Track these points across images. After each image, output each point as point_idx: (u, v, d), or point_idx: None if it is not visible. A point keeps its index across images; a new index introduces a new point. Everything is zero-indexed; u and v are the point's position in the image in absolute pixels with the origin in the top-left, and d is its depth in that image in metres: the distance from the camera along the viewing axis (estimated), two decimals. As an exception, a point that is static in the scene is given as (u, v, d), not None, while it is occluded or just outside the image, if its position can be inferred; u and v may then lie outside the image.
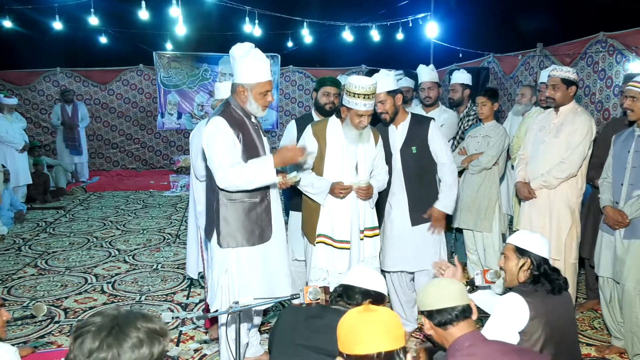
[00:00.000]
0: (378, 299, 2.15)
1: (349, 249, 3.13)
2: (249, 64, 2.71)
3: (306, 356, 2.00)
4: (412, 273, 3.52)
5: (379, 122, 3.48)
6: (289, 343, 2.07)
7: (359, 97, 2.97)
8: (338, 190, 3.09)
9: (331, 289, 3.19)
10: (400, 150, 3.38)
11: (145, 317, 1.34)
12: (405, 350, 1.41)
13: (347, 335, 1.42)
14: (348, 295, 2.16)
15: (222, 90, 3.40)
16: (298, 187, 3.16)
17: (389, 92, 3.28)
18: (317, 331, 2.03)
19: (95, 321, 1.31)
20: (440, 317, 1.83)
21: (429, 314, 1.87)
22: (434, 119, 3.49)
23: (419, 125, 3.38)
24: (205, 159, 2.83)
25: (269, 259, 2.87)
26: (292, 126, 3.78)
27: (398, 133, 3.40)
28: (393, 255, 3.45)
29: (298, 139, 3.65)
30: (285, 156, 2.74)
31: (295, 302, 2.34)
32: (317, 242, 3.18)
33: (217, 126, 2.70)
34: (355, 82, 2.98)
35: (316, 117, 3.75)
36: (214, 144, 2.69)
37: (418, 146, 3.35)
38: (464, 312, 1.83)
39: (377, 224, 3.30)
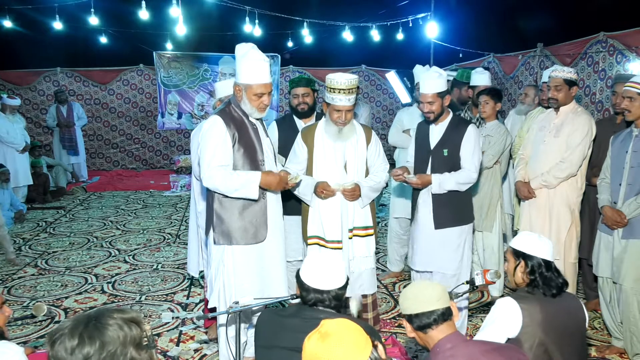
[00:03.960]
0: (344, 287, 2.11)
1: (341, 248, 3.14)
2: (245, 64, 2.74)
3: (291, 357, 2.00)
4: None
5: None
6: (272, 348, 2.05)
7: (337, 92, 3.00)
8: (319, 191, 3.12)
9: None
10: (432, 150, 3.31)
11: (117, 309, 1.35)
12: (375, 346, 1.40)
13: None
14: (333, 303, 2.06)
15: (221, 90, 3.42)
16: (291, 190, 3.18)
17: (439, 94, 3.21)
18: (299, 331, 2.01)
19: (67, 324, 1.30)
20: (419, 321, 1.82)
21: (409, 318, 1.86)
22: (474, 122, 3.39)
23: (457, 128, 3.26)
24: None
25: (264, 259, 2.88)
26: (272, 127, 3.74)
27: (436, 131, 3.31)
28: (416, 254, 3.42)
29: (279, 139, 3.61)
30: (271, 183, 2.78)
31: (294, 302, 2.33)
32: (309, 244, 3.20)
33: (212, 125, 2.74)
34: (335, 77, 3.01)
35: (295, 118, 3.72)
36: (206, 142, 2.73)
37: (450, 149, 3.25)
38: (443, 315, 1.81)
39: (370, 224, 3.26)
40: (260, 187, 2.76)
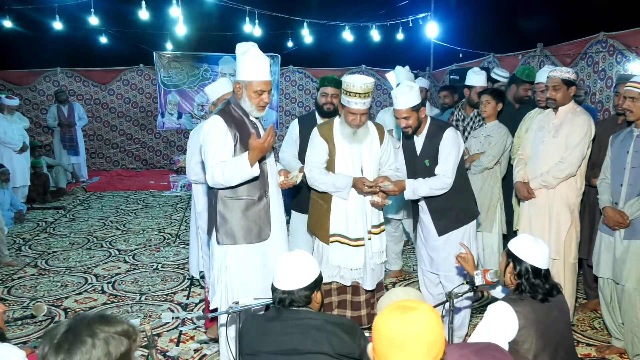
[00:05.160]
0: (317, 286, 2.12)
1: (363, 245, 3.22)
2: (245, 62, 2.75)
3: None
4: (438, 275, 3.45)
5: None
6: (257, 354, 2.06)
7: (353, 95, 3.01)
8: (361, 186, 3.12)
9: (346, 283, 3.27)
10: (417, 161, 3.28)
11: (106, 320, 1.30)
12: None
13: (379, 345, 1.29)
14: (290, 302, 2.08)
15: (212, 93, 3.44)
16: (314, 188, 3.23)
17: (413, 108, 3.11)
18: (282, 334, 2.02)
19: (55, 328, 1.29)
20: None
21: None
22: (453, 126, 3.33)
23: (435, 135, 3.19)
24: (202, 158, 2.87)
25: (267, 258, 2.88)
26: (294, 125, 3.82)
27: (418, 142, 3.27)
28: (423, 255, 3.45)
29: (300, 138, 3.68)
30: (255, 148, 2.60)
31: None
32: (331, 242, 3.25)
33: (212, 125, 2.74)
34: (351, 81, 3.01)
35: (317, 117, 3.78)
36: (208, 142, 2.73)
37: (431, 159, 3.21)
38: None
39: (382, 221, 3.36)
40: (257, 163, 2.66)
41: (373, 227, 3.28)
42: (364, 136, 3.19)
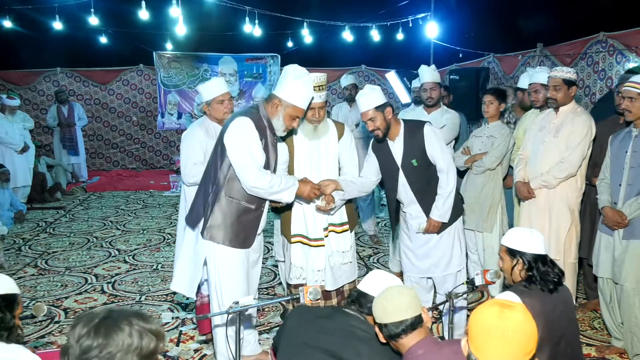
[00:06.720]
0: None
1: (324, 245, 3.21)
2: (297, 86, 2.77)
3: (311, 356, 2.00)
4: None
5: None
6: (295, 342, 2.07)
7: None
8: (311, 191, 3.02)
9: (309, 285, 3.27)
10: (401, 166, 3.23)
11: (142, 316, 1.35)
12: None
13: (476, 336, 1.40)
14: (360, 303, 2.09)
15: (208, 92, 3.35)
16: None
17: (377, 108, 3.08)
18: (326, 332, 2.02)
19: (92, 311, 1.33)
20: (388, 331, 1.83)
21: (379, 327, 1.87)
22: (429, 122, 3.33)
23: (414, 134, 3.17)
24: (216, 159, 2.86)
25: (246, 264, 2.94)
26: None
27: (396, 147, 3.22)
28: (415, 263, 3.40)
29: None
30: (303, 191, 2.87)
31: (302, 301, 2.36)
32: (293, 242, 3.26)
33: (247, 126, 2.75)
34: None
35: None
36: (246, 142, 2.74)
37: (418, 157, 3.17)
38: (413, 325, 1.81)
39: (346, 220, 3.32)
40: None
41: (332, 224, 3.26)
42: (323, 132, 3.22)
